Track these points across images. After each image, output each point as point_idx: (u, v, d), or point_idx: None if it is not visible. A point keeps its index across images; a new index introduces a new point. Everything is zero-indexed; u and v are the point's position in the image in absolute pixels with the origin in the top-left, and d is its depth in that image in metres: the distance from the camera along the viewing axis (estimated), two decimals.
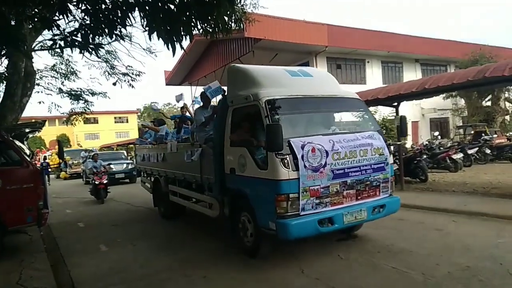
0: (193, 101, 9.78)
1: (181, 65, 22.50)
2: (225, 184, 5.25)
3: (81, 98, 10.28)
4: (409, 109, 16.59)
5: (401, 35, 20.92)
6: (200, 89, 23.63)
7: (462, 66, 18.91)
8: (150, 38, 4.40)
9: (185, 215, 8.06)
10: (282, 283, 4.19)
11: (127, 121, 62.09)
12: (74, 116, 10.74)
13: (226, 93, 5.68)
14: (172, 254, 5.52)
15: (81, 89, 10.31)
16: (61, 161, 20.55)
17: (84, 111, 10.65)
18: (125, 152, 25.05)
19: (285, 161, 4.19)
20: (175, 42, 4.47)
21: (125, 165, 18.14)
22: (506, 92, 19.74)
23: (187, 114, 8.88)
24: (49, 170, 22.89)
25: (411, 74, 21.64)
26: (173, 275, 4.63)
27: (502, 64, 7.42)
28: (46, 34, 9.22)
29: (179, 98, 8.88)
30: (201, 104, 8.10)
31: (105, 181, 11.49)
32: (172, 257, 5.37)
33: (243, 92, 4.99)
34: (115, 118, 60.46)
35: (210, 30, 5.28)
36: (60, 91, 10.27)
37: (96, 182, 11.38)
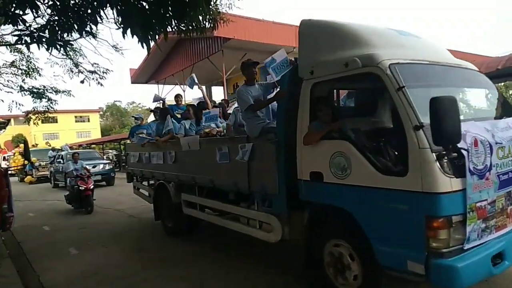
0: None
1: (147, 63, 21.99)
2: (297, 196, 3.67)
3: (44, 96, 9.84)
4: None
5: None
6: (167, 87, 23.34)
7: None
8: (124, 36, 4.33)
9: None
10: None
11: (88, 120, 59.92)
12: (36, 115, 10.26)
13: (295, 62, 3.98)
14: (146, 256, 5.45)
15: (44, 86, 9.88)
16: (27, 162, 18.76)
17: (47, 109, 10.20)
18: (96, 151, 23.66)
19: (445, 161, 2.64)
20: (150, 40, 4.44)
21: (101, 166, 16.48)
22: None
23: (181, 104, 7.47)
24: (9, 172, 21.44)
25: None
26: (149, 276, 4.58)
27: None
28: (5, 28, 8.78)
29: (191, 82, 6.88)
30: (194, 84, 6.62)
31: (91, 186, 9.69)
32: (146, 259, 5.30)
33: (335, 57, 3.36)
34: (75, 117, 58.18)
35: (184, 28, 5.29)
36: (21, 89, 9.79)
37: (82, 188, 9.47)
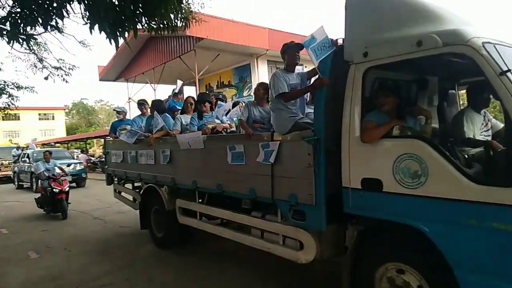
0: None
1: (116, 60, 21.44)
2: (338, 207, 2.99)
3: (4, 92, 9.38)
4: None
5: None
6: (137, 86, 22.83)
7: None
8: (91, 32, 4.19)
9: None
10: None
11: (53, 118, 57.61)
12: None
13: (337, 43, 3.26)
14: (111, 259, 5.27)
15: (4, 81, 9.42)
16: None
17: (7, 106, 9.73)
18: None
19: None
20: (118, 37, 4.33)
21: (72, 166, 15.03)
22: None
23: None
24: None
25: None
26: (113, 280, 4.43)
27: None
28: None
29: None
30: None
31: (67, 188, 8.64)
32: (111, 262, 5.13)
33: (400, 34, 2.71)
34: (39, 114, 55.79)
35: (155, 26, 5.19)
36: None
37: (56, 190, 8.40)
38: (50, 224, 8.01)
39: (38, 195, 9.30)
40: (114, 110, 7.86)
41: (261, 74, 18.45)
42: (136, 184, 6.70)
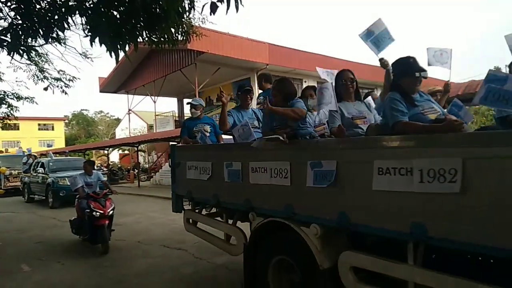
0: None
1: (117, 72, 21.60)
2: None
3: (4, 102, 9.41)
4: None
5: (335, 58, 22.29)
6: (138, 98, 22.91)
7: None
8: (91, 44, 4.22)
9: None
10: None
11: (52, 129, 57.71)
12: None
13: None
14: (103, 273, 5.18)
15: (4, 92, 9.46)
16: None
17: (7, 116, 9.75)
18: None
19: None
20: (119, 50, 4.35)
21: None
22: None
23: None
24: None
25: None
26: None
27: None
28: None
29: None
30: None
31: (110, 211, 6.45)
32: (103, 276, 5.04)
33: None
34: (39, 125, 55.88)
35: (156, 40, 5.23)
36: None
37: (96, 214, 6.22)
38: (44, 236, 7.90)
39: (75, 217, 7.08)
40: (187, 104, 5.96)
41: None
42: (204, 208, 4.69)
